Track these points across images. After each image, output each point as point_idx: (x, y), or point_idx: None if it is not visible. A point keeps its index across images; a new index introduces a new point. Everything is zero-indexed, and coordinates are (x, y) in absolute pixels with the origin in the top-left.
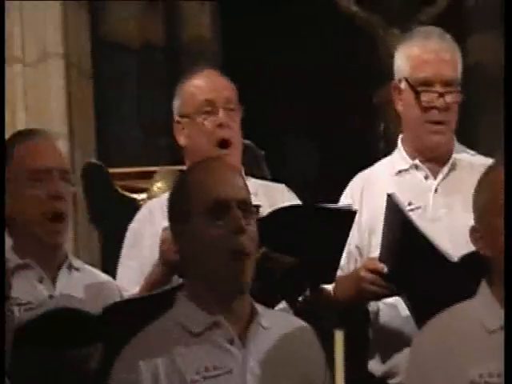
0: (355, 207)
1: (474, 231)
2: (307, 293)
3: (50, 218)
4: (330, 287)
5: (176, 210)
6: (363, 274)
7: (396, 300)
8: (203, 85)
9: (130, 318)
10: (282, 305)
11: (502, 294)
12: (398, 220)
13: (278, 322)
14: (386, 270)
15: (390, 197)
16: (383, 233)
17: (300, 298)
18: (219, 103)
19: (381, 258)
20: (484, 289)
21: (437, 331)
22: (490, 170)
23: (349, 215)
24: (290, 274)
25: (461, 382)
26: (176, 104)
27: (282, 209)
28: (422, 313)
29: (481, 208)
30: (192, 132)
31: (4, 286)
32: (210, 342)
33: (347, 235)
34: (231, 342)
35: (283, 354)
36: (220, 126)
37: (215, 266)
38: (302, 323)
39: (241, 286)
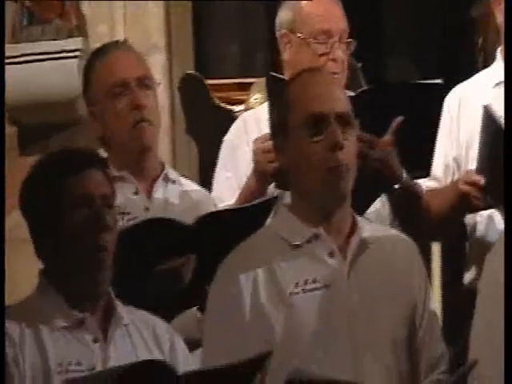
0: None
1: None
2: (403, 183)
3: (134, 125)
4: (426, 193)
5: (275, 121)
6: (461, 186)
7: (493, 212)
8: (320, 12)
9: (223, 228)
10: (379, 203)
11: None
12: (493, 131)
13: (380, 236)
14: (482, 181)
15: (486, 108)
16: (480, 144)
17: (396, 187)
18: (334, 33)
19: (478, 170)
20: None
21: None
22: None
23: (437, 89)
24: (384, 159)
25: None
26: (286, 17)
27: (373, 88)
28: None
29: None
30: (300, 51)
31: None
32: (310, 255)
33: (439, 113)
34: (331, 255)
35: (383, 270)
36: (333, 60)
37: (313, 181)
38: (404, 237)
39: (340, 200)
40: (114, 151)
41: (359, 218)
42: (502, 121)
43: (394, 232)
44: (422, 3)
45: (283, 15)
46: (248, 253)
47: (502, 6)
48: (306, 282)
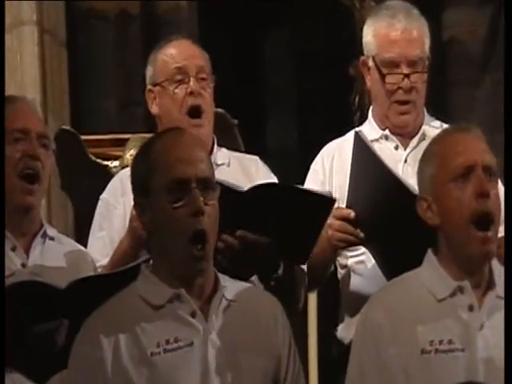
0: (333, 193)
1: (420, 201)
2: (280, 271)
3: (23, 176)
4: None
5: (137, 183)
6: (330, 221)
7: (364, 268)
8: (175, 53)
9: (95, 293)
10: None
11: (450, 262)
12: (364, 158)
13: (242, 294)
14: (352, 214)
15: (357, 134)
16: (350, 176)
17: (274, 276)
18: (191, 71)
19: (348, 204)
20: (430, 258)
21: (385, 301)
22: (435, 140)
23: (328, 202)
24: (264, 254)
25: (412, 350)
26: (148, 73)
27: (260, 186)
28: (390, 262)
29: (428, 177)
30: (164, 100)
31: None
32: (171, 315)
33: (325, 221)
34: (193, 315)
35: (247, 328)
36: (191, 93)
37: (175, 246)
38: (268, 296)
39: (200, 266)
40: None
41: (222, 277)
42: (373, 147)
43: (260, 292)
44: (301, 61)
45: (147, 72)
46: (110, 314)
47: (370, 72)
48: (167, 342)
